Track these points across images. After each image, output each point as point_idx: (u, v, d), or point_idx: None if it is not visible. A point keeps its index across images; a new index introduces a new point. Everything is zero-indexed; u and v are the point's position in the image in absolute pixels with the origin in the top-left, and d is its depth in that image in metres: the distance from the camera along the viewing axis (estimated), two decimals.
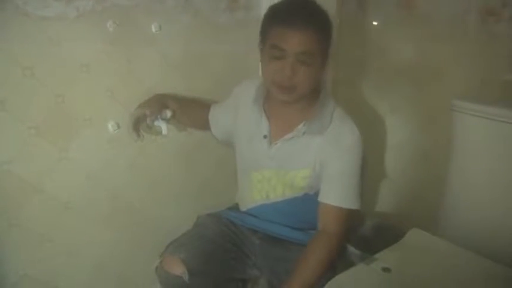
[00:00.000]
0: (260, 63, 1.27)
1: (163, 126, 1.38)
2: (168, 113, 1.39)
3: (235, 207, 1.49)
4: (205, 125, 1.51)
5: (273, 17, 1.20)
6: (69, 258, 1.38)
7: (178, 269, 1.22)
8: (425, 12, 1.74)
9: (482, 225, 1.42)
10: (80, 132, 1.31)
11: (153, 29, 1.36)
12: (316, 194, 1.31)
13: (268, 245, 1.34)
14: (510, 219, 1.36)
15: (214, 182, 1.68)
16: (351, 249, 1.42)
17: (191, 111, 1.50)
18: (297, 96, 1.22)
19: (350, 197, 1.25)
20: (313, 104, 1.29)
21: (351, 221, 1.29)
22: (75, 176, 1.34)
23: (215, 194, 1.67)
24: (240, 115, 1.39)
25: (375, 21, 1.93)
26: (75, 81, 1.26)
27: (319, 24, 1.17)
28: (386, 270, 1.12)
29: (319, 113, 1.27)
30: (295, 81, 1.17)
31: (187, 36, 1.45)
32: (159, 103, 1.37)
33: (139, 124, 1.35)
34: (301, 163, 1.28)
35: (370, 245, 1.37)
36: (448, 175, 1.55)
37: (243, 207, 1.45)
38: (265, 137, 1.31)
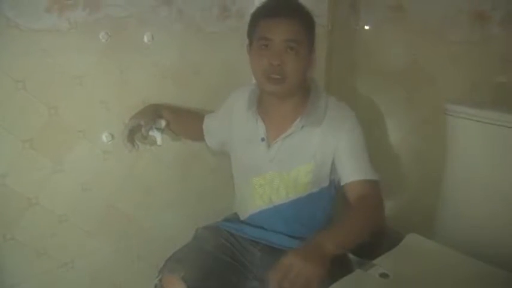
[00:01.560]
0: (251, 66, 1.28)
1: (157, 136, 1.38)
2: (163, 123, 1.39)
3: (233, 218, 1.47)
4: (198, 136, 1.51)
5: (259, 14, 1.25)
6: (65, 270, 1.37)
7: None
8: (417, 16, 1.76)
9: (478, 227, 1.42)
10: (74, 144, 1.31)
11: (146, 39, 1.36)
12: (321, 191, 1.31)
13: (269, 256, 1.30)
14: (505, 221, 1.37)
15: (210, 191, 1.68)
16: (348, 255, 1.42)
17: (185, 121, 1.50)
18: (288, 87, 1.23)
19: (369, 169, 1.24)
20: (305, 99, 1.30)
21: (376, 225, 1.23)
22: (70, 188, 1.33)
23: (211, 203, 1.67)
24: (235, 123, 1.39)
25: (367, 25, 1.95)
26: (68, 93, 1.25)
27: (303, 16, 1.23)
28: (384, 276, 1.12)
29: (313, 106, 1.28)
30: (284, 70, 1.20)
31: (180, 46, 1.45)
32: (153, 113, 1.37)
33: (133, 135, 1.35)
34: (303, 158, 1.28)
35: (367, 251, 1.37)
36: (443, 178, 1.55)
37: (243, 215, 1.43)
38: (262, 139, 1.31)
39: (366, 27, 1.95)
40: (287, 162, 1.29)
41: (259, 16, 1.24)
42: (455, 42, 1.64)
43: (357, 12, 1.96)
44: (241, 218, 1.44)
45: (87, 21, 1.23)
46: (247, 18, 1.55)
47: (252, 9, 1.55)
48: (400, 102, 1.88)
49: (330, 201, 1.37)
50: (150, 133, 1.37)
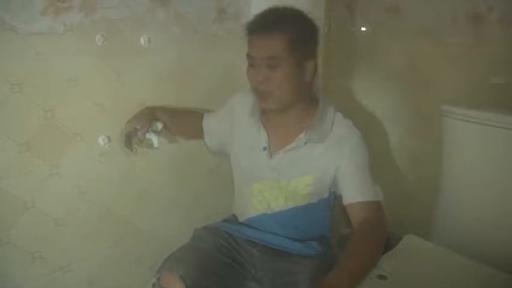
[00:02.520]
0: None
1: (154, 139, 1.37)
2: (159, 125, 1.39)
3: (232, 219, 1.47)
4: (198, 134, 1.50)
5: (247, 28, 1.23)
6: (62, 274, 1.37)
7: (176, 286, 1.19)
8: (413, 18, 1.76)
9: (476, 228, 1.42)
10: (71, 147, 1.30)
11: (142, 42, 1.35)
12: (319, 202, 1.31)
13: (268, 257, 1.32)
14: (502, 222, 1.37)
15: (207, 194, 1.67)
16: None
17: (183, 121, 1.49)
18: (276, 102, 1.22)
19: (371, 190, 1.22)
20: (311, 111, 1.28)
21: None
22: (66, 191, 1.32)
23: (208, 205, 1.66)
24: (237, 127, 1.38)
25: (364, 27, 1.95)
26: (64, 96, 1.25)
27: (285, 27, 1.16)
28: (382, 277, 1.12)
29: (319, 121, 1.26)
30: (269, 86, 1.19)
31: (177, 48, 1.45)
32: (149, 116, 1.36)
33: (130, 139, 1.35)
34: (303, 171, 1.27)
35: None
36: (440, 179, 1.56)
37: (241, 218, 1.43)
38: (264, 149, 1.30)
39: (363, 29, 1.95)
40: (287, 173, 1.28)
41: (247, 30, 1.22)
42: (452, 44, 1.64)
43: (354, 14, 1.97)
44: (240, 220, 1.44)
45: (83, 24, 1.23)
46: (244, 20, 1.55)
47: (248, 12, 1.57)
48: (397, 104, 1.88)
49: (328, 209, 1.37)
50: (147, 136, 1.37)
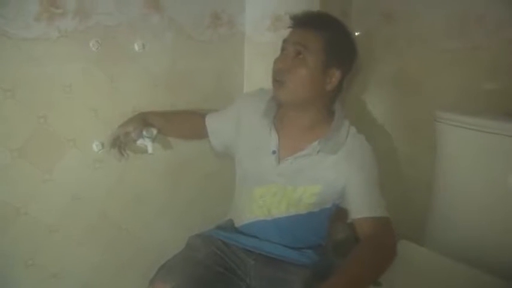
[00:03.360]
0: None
1: (148, 145, 1.37)
2: (153, 131, 1.38)
3: (226, 225, 1.45)
4: (198, 134, 1.48)
5: (292, 19, 1.24)
6: (55, 281, 1.35)
7: None
8: (407, 24, 1.77)
9: (468, 233, 1.43)
10: (64, 153, 1.29)
11: (137, 48, 1.35)
12: (321, 212, 1.30)
13: (263, 265, 1.30)
14: (495, 227, 1.38)
15: (202, 200, 1.67)
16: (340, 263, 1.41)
17: (179, 121, 1.48)
18: (287, 94, 1.21)
19: (380, 206, 1.21)
20: (325, 123, 1.28)
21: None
22: (60, 197, 1.32)
23: (203, 211, 1.66)
24: (244, 128, 1.37)
25: (358, 32, 1.96)
26: (58, 102, 1.24)
27: (323, 28, 1.20)
28: (377, 284, 1.12)
29: (335, 133, 1.26)
30: (286, 75, 1.19)
31: (171, 54, 1.44)
32: (141, 121, 1.35)
33: (122, 143, 1.34)
34: (311, 180, 1.26)
35: None
36: (433, 184, 1.56)
37: (238, 222, 1.41)
38: (274, 152, 1.29)
39: (357, 34, 1.96)
40: (295, 180, 1.27)
41: (292, 22, 1.24)
42: (445, 50, 1.65)
43: (349, 20, 1.98)
44: (236, 225, 1.42)
45: (77, 30, 1.22)
46: (238, 27, 1.57)
47: (242, 18, 1.57)
48: (390, 109, 1.89)
49: (327, 219, 1.36)
50: (141, 142, 1.36)
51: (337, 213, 1.32)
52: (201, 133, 1.47)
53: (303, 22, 1.22)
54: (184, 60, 1.48)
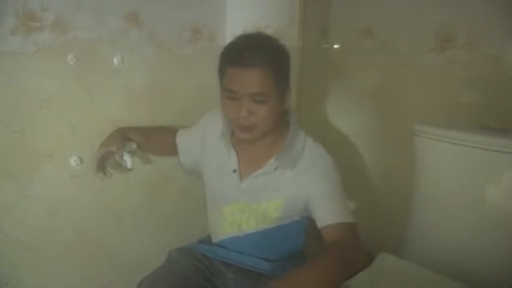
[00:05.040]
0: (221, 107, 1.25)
1: (128, 160, 1.35)
2: (133, 146, 1.37)
3: (207, 239, 1.45)
4: (172, 151, 1.47)
5: (225, 57, 1.19)
6: None
7: None
8: (385, 39, 1.80)
9: (448, 245, 1.45)
10: (41, 169, 1.27)
11: (116, 62, 1.34)
12: (291, 224, 1.30)
13: (242, 278, 1.30)
14: (474, 239, 1.39)
15: (181, 214, 1.66)
16: None
17: (156, 139, 1.47)
18: (259, 134, 1.21)
19: (344, 212, 1.20)
20: (282, 137, 1.27)
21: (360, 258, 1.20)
22: (37, 214, 1.29)
23: (182, 225, 1.65)
24: (208, 147, 1.37)
25: (337, 45, 1.98)
26: (35, 117, 1.22)
27: (270, 60, 1.14)
28: None
29: (290, 147, 1.25)
30: (253, 120, 1.16)
31: (151, 68, 1.44)
32: (121, 138, 1.34)
33: (104, 162, 1.32)
34: (273, 195, 1.26)
35: None
36: (412, 197, 1.58)
37: (215, 239, 1.41)
38: (234, 171, 1.29)
39: (336, 47, 1.98)
40: (257, 196, 1.27)
41: (225, 61, 1.18)
42: (423, 65, 1.68)
43: (328, 34, 2.00)
44: (213, 241, 1.42)
45: (55, 44, 1.21)
46: (219, 41, 1.57)
47: (223, 32, 1.58)
48: (369, 123, 1.91)
49: (302, 230, 1.36)
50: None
51: (316, 225, 1.32)
52: (175, 150, 1.46)
53: (246, 62, 1.12)
54: (164, 75, 1.48)
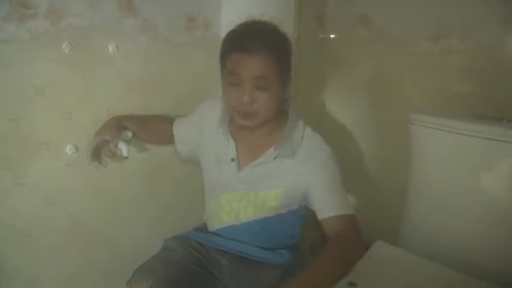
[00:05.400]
0: (222, 93, 1.25)
1: (123, 148, 1.35)
2: (129, 134, 1.37)
3: (203, 228, 1.46)
4: (168, 140, 1.47)
5: (229, 43, 1.19)
6: None
7: None
8: (382, 27, 1.80)
9: (443, 234, 1.45)
10: (37, 157, 1.27)
11: (111, 50, 1.34)
12: (289, 212, 1.30)
13: (237, 266, 1.31)
14: (469, 228, 1.40)
15: (178, 203, 1.66)
16: None
17: (152, 127, 1.47)
18: (259, 122, 1.20)
19: (344, 204, 1.21)
20: (281, 126, 1.27)
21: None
22: (32, 202, 1.29)
23: (179, 214, 1.65)
24: (206, 135, 1.36)
25: (333, 35, 1.98)
26: (29, 105, 1.22)
27: (274, 47, 1.15)
28: (352, 285, 1.12)
29: (289, 136, 1.25)
30: (255, 107, 1.16)
31: (146, 56, 1.43)
32: (117, 126, 1.34)
33: (99, 151, 1.32)
34: (272, 184, 1.26)
35: None
36: (407, 185, 1.58)
37: (211, 228, 1.42)
38: (232, 160, 1.29)
39: (332, 36, 1.97)
40: (256, 185, 1.27)
41: (229, 47, 1.18)
42: (419, 53, 1.68)
43: (324, 24, 1.99)
44: (210, 230, 1.43)
45: (49, 31, 1.20)
46: (215, 29, 1.56)
47: (218, 20, 1.57)
48: (364, 112, 1.91)
49: (298, 219, 1.36)
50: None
51: (313, 214, 1.33)
52: (171, 139, 1.46)
53: (252, 47, 1.13)
54: (159, 63, 1.47)
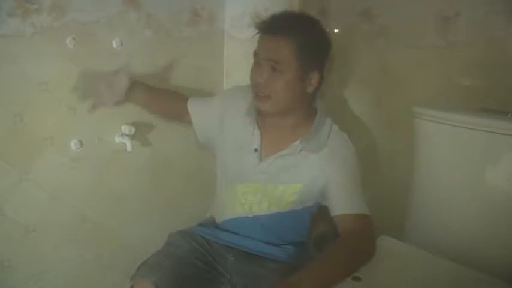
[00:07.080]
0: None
1: (127, 143, 1.35)
2: (132, 129, 1.37)
3: (207, 223, 1.45)
4: (179, 116, 1.44)
5: (258, 27, 1.22)
6: (33, 282, 1.33)
7: None
8: (385, 21, 1.79)
9: (447, 228, 1.45)
10: (41, 152, 1.27)
11: (114, 45, 1.33)
12: (303, 210, 1.30)
13: (243, 261, 1.31)
14: (474, 222, 1.40)
15: (182, 198, 1.66)
16: None
17: (165, 99, 1.44)
18: (273, 107, 1.20)
19: (361, 203, 1.22)
20: (308, 122, 1.27)
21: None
22: (37, 197, 1.29)
23: (183, 210, 1.65)
24: (228, 123, 1.35)
25: (337, 29, 1.97)
26: (34, 100, 1.22)
27: (295, 33, 1.15)
28: (356, 279, 1.12)
29: (316, 132, 1.26)
30: (268, 89, 1.18)
31: (150, 51, 1.43)
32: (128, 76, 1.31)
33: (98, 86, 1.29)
34: (292, 178, 1.26)
35: None
36: (412, 180, 1.58)
37: (219, 218, 1.41)
38: (255, 150, 1.28)
39: (336, 31, 1.97)
40: (276, 178, 1.27)
41: (258, 29, 1.21)
42: (423, 47, 1.67)
43: (327, 17, 1.98)
44: (217, 221, 1.42)
45: (53, 26, 1.20)
46: (218, 24, 1.56)
47: (222, 14, 1.57)
48: (369, 106, 1.91)
49: (309, 216, 1.36)
50: (119, 139, 1.35)
51: (318, 210, 1.33)
52: (182, 118, 1.44)
53: (272, 29, 1.17)
54: (163, 57, 1.47)
